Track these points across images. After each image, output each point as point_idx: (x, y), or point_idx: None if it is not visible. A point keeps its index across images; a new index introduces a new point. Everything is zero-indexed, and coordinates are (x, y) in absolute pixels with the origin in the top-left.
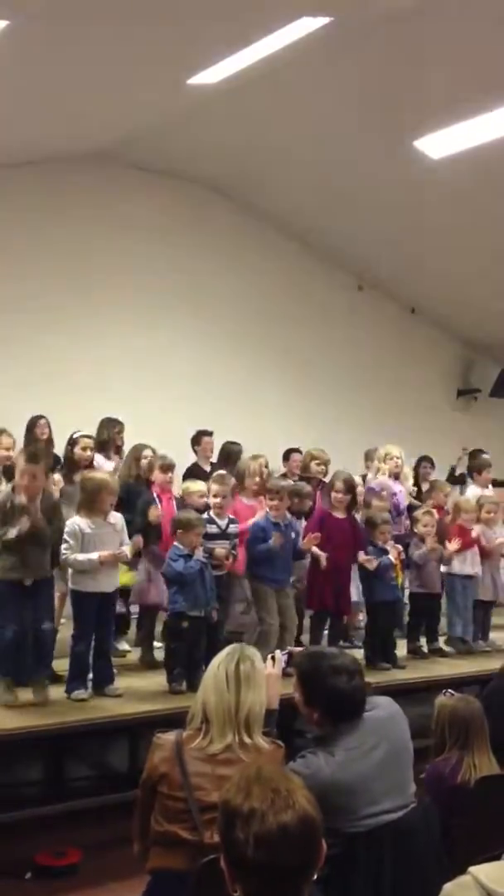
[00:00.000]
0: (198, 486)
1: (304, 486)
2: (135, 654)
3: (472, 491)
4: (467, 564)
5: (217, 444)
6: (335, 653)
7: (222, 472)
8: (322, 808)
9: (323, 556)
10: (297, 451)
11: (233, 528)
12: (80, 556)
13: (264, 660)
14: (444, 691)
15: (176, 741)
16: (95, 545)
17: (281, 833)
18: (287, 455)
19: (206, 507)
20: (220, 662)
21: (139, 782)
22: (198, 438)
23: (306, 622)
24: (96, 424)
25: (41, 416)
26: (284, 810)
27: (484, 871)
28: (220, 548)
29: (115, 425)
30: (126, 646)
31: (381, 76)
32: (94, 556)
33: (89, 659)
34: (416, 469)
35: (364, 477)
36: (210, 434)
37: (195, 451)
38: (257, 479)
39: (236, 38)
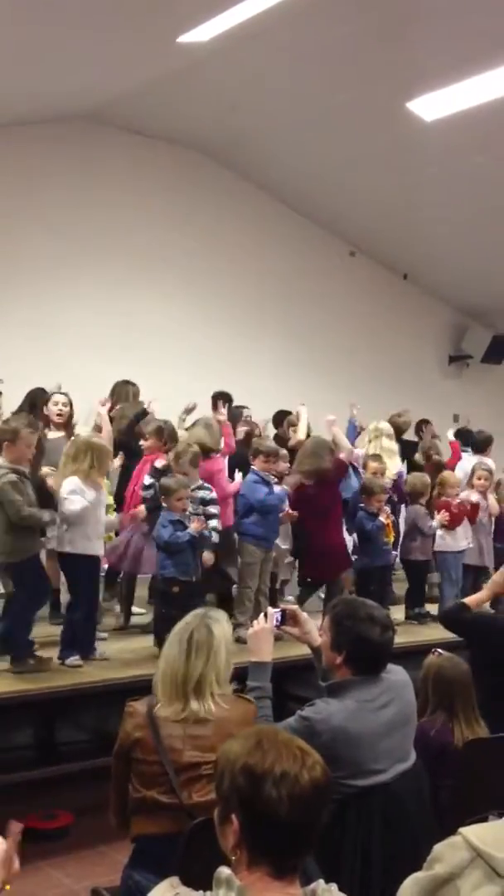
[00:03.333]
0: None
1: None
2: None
3: (469, 460)
4: (459, 539)
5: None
6: (374, 605)
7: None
8: (328, 756)
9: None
10: (288, 413)
11: (202, 494)
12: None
13: (255, 619)
14: (433, 650)
15: (148, 706)
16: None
17: (314, 790)
18: (278, 418)
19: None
20: (177, 629)
21: (113, 753)
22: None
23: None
24: (83, 386)
25: (43, 391)
26: (314, 767)
27: (473, 832)
28: (197, 523)
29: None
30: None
31: (373, 36)
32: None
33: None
34: (417, 430)
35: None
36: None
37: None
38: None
39: None
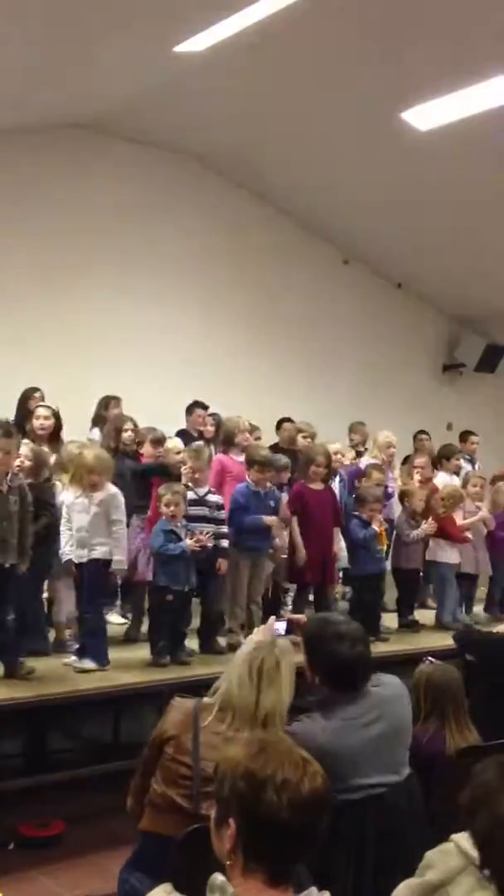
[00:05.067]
0: (174, 442)
1: (281, 458)
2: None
3: (441, 479)
4: (454, 553)
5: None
6: (342, 619)
7: (199, 444)
8: None
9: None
10: (289, 420)
11: (212, 498)
12: None
13: (245, 625)
14: (424, 658)
15: (195, 707)
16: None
17: (314, 797)
18: (280, 425)
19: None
20: (247, 653)
21: (149, 741)
22: (191, 409)
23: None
24: (85, 395)
25: (36, 389)
26: (315, 776)
27: (465, 838)
28: (199, 534)
29: (112, 402)
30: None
31: (367, 46)
32: None
33: None
34: (413, 441)
35: (359, 453)
36: (205, 407)
37: (187, 421)
38: (247, 434)
39: (223, 5)
